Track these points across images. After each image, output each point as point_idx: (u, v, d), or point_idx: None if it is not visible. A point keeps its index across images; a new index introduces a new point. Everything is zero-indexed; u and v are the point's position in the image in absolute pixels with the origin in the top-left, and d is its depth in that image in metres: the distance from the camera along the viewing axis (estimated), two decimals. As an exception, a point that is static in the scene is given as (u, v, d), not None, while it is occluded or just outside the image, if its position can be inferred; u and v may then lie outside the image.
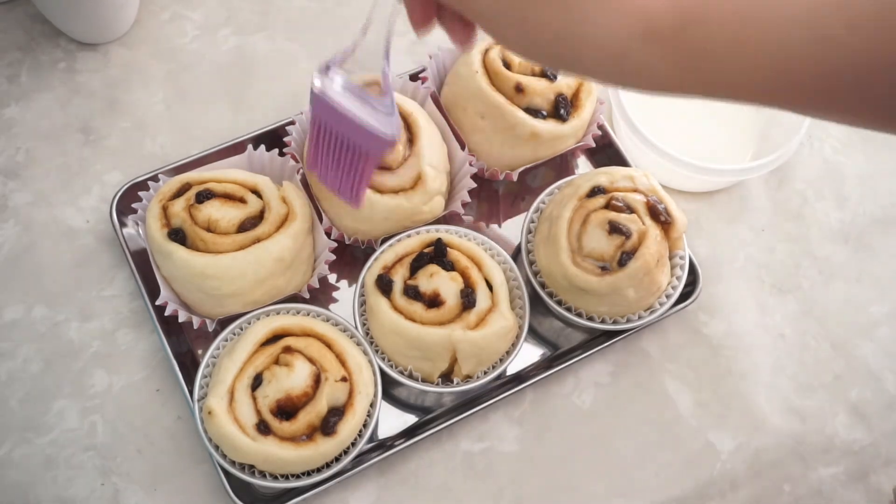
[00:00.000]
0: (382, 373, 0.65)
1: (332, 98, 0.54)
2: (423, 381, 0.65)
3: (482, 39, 0.75)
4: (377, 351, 0.66)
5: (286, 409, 0.60)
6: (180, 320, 0.66)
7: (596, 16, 0.37)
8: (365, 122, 0.54)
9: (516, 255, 0.73)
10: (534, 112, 0.72)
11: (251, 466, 0.61)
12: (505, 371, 0.67)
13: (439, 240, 0.67)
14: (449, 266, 0.66)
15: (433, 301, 0.64)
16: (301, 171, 0.71)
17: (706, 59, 0.37)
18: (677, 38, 0.37)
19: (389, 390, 0.69)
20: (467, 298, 0.64)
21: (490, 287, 0.66)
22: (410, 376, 0.65)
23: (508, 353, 0.66)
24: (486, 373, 0.66)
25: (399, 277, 0.66)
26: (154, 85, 0.81)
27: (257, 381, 0.61)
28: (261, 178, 0.69)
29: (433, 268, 0.65)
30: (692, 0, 0.37)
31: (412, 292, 0.64)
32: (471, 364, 0.64)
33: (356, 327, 0.66)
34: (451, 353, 0.63)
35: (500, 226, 0.77)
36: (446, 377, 0.66)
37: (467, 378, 0.65)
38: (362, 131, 0.54)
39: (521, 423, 0.69)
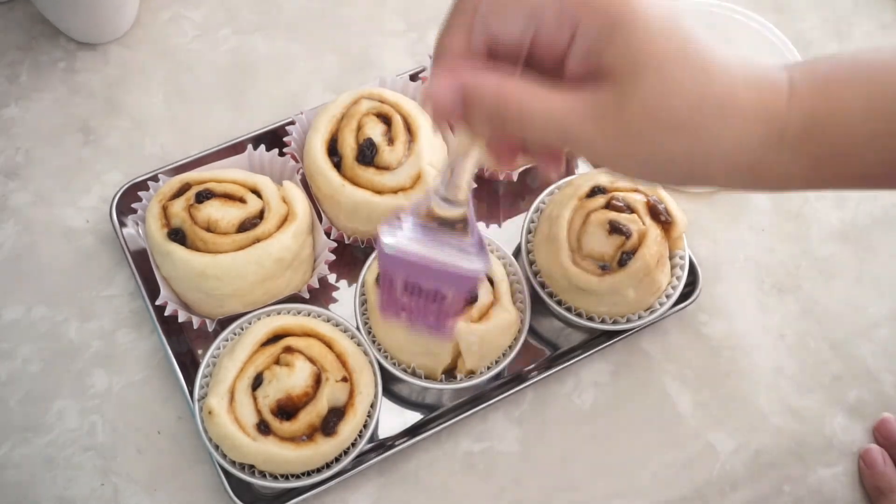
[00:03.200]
0: (384, 371, 0.65)
1: (406, 251, 0.50)
2: (427, 377, 0.65)
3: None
4: (380, 349, 0.66)
5: (286, 409, 0.60)
6: (180, 320, 0.66)
7: (724, 132, 0.37)
8: (449, 265, 0.50)
9: (516, 255, 0.73)
10: (534, 112, 0.72)
11: (251, 466, 0.61)
12: (507, 368, 0.67)
13: None
14: None
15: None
16: (301, 170, 0.71)
17: (841, 156, 0.38)
18: (808, 139, 0.38)
19: (391, 389, 0.69)
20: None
21: (491, 282, 0.66)
22: (413, 374, 0.65)
23: (511, 347, 0.66)
24: (489, 368, 0.66)
25: (400, 276, 0.66)
26: (154, 85, 0.81)
27: (258, 381, 0.61)
28: (261, 177, 0.69)
29: None
30: (818, 100, 0.38)
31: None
32: (474, 358, 0.64)
33: (357, 326, 0.66)
34: (453, 347, 0.63)
35: (499, 226, 0.77)
36: (449, 373, 0.66)
37: (470, 374, 0.65)
38: (447, 275, 0.50)
39: (521, 423, 0.69)
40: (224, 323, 0.66)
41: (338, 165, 0.69)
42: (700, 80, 0.37)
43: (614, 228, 0.66)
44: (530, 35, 0.38)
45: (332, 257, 0.70)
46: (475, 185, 0.72)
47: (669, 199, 0.69)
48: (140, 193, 0.70)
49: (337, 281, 0.73)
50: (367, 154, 0.68)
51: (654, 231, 0.66)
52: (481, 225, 0.77)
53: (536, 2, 0.37)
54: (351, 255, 0.74)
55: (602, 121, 0.37)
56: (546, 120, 0.38)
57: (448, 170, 0.46)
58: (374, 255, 0.68)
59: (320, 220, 0.70)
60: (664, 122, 0.37)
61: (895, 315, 0.76)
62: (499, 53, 0.39)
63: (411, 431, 0.67)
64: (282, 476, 0.61)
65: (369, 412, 0.63)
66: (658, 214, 0.67)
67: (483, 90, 0.38)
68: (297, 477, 0.61)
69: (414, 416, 0.68)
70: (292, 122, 0.74)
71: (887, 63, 0.38)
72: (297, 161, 0.72)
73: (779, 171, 0.39)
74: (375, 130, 0.69)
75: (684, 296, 0.71)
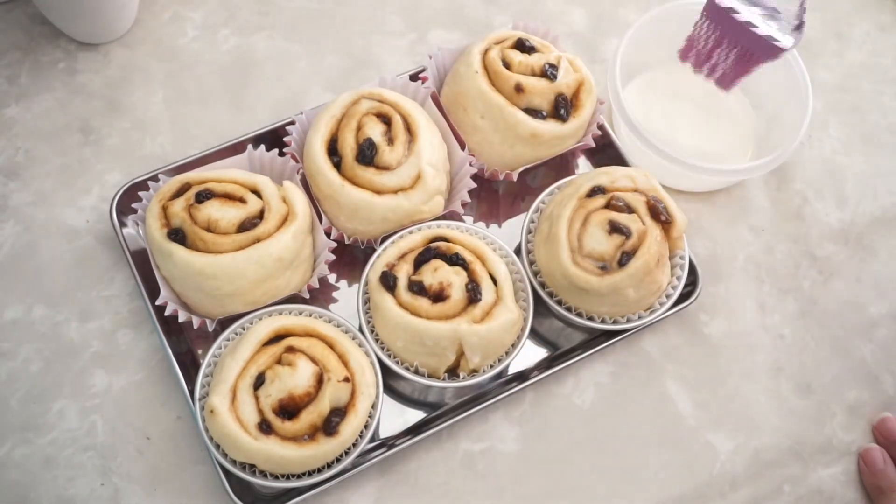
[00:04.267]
0: (387, 370, 0.65)
1: (731, 5, 0.55)
2: (429, 376, 0.65)
3: (482, 39, 0.75)
4: (383, 348, 0.66)
5: (288, 409, 0.60)
6: (180, 320, 0.66)
7: None
8: (763, 32, 0.55)
9: (516, 254, 0.73)
10: (534, 112, 0.72)
11: (251, 466, 0.61)
12: (509, 366, 0.67)
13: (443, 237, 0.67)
14: (455, 260, 0.66)
15: (438, 296, 0.64)
16: (301, 170, 0.71)
17: None
18: None
19: (393, 387, 0.69)
20: (472, 292, 0.64)
21: (494, 281, 0.66)
22: (416, 372, 0.65)
23: (514, 346, 0.66)
24: (492, 366, 0.66)
25: (403, 273, 0.66)
26: (154, 85, 0.81)
27: (259, 381, 0.61)
28: (261, 177, 0.69)
29: (437, 262, 0.65)
30: None
31: (417, 287, 0.64)
32: (477, 358, 0.64)
33: (360, 325, 0.66)
34: (457, 346, 0.64)
35: (500, 226, 0.77)
36: (452, 372, 0.66)
37: (473, 372, 0.65)
38: (758, 40, 0.56)
39: (521, 423, 0.69)
40: (224, 323, 0.66)
41: (338, 165, 0.69)
42: None
43: (614, 228, 0.66)
44: None
45: (332, 257, 0.70)
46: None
47: (669, 199, 0.69)
48: (140, 193, 0.70)
49: (337, 281, 0.73)
50: (367, 154, 0.68)
51: (654, 231, 0.66)
52: (480, 225, 0.77)
53: None
54: (351, 255, 0.74)
55: None
56: None
57: None
58: (376, 254, 0.68)
59: (320, 220, 0.70)
60: None
61: (895, 315, 0.76)
62: None
63: (411, 431, 0.67)
64: (282, 476, 0.61)
65: (370, 412, 0.63)
66: (658, 214, 0.67)
67: None
68: (298, 477, 0.61)
69: (415, 415, 0.68)
70: (292, 122, 0.74)
71: None
72: (297, 161, 0.72)
73: None
74: (375, 130, 0.69)
75: (684, 296, 0.71)
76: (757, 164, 0.74)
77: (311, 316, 0.66)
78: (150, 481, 0.65)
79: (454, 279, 0.64)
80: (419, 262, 0.66)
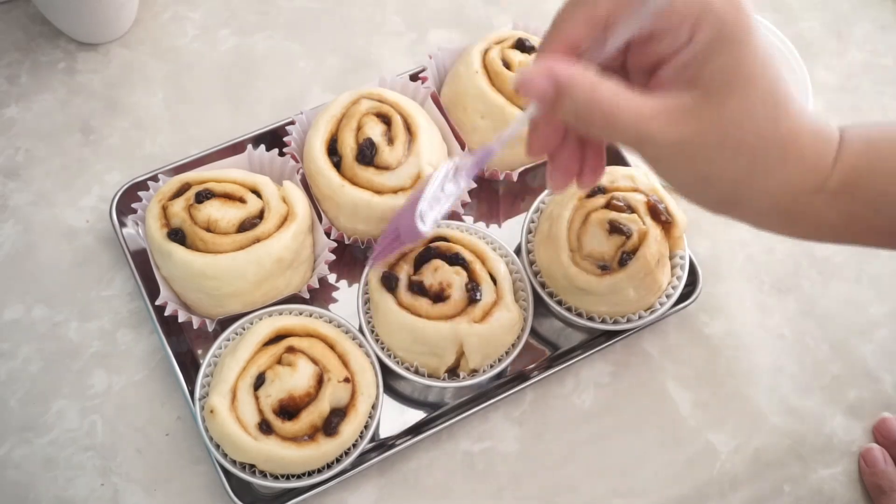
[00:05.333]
0: (387, 370, 0.65)
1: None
2: (430, 376, 0.65)
3: (482, 39, 0.75)
4: (383, 348, 0.66)
5: (288, 409, 0.60)
6: (180, 320, 0.66)
7: (777, 170, 0.40)
8: (404, 216, 0.57)
9: (516, 254, 0.73)
10: (534, 112, 0.72)
11: (251, 466, 0.61)
12: (509, 366, 0.67)
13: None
14: (455, 260, 0.66)
15: (438, 296, 0.64)
16: (301, 170, 0.71)
17: (874, 212, 0.42)
18: (846, 192, 0.41)
19: (393, 387, 0.69)
20: (472, 292, 0.64)
21: (494, 280, 0.66)
22: (417, 372, 0.65)
23: (514, 345, 0.66)
24: (492, 366, 0.66)
25: (403, 273, 0.66)
26: (154, 85, 0.81)
27: (260, 381, 0.61)
28: (260, 177, 0.69)
29: (437, 262, 0.65)
30: (863, 157, 0.41)
31: (417, 287, 0.64)
32: (477, 358, 0.64)
33: (360, 326, 0.66)
34: (457, 346, 0.64)
35: (500, 226, 0.77)
36: (452, 372, 0.66)
37: (473, 372, 0.66)
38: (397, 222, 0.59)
39: (521, 423, 0.69)
40: (224, 323, 0.66)
41: (338, 165, 0.69)
42: (777, 114, 0.39)
43: (614, 228, 0.66)
44: (643, 34, 0.40)
45: (332, 257, 0.70)
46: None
47: (670, 199, 0.69)
48: (140, 193, 0.70)
49: (337, 281, 0.73)
50: (367, 154, 0.68)
51: (654, 231, 0.66)
52: (480, 225, 0.77)
53: (666, 1, 0.38)
54: (351, 255, 0.74)
55: (679, 125, 0.39)
56: (629, 123, 0.39)
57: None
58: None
59: (320, 220, 0.70)
60: (732, 141, 0.39)
61: (895, 315, 0.76)
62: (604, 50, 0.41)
63: (412, 431, 0.67)
64: (282, 476, 0.61)
65: (370, 413, 0.63)
66: (658, 214, 0.67)
67: (578, 89, 0.39)
68: (298, 477, 0.61)
69: (415, 415, 0.68)
70: (292, 122, 0.74)
71: None
72: (297, 161, 0.72)
73: (812, 218, 0.42)
74: (375, 130, 0.69)
75: (684, 296, 0.71)
76: (757, 164, 0.74)
77: (311, 316, 0.66)
78: (150, 481, 0.65)
79: (454, 279, 0.64)
80: (419, 262, 0.66)
